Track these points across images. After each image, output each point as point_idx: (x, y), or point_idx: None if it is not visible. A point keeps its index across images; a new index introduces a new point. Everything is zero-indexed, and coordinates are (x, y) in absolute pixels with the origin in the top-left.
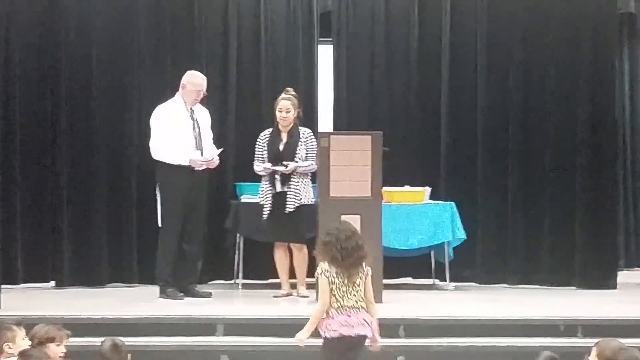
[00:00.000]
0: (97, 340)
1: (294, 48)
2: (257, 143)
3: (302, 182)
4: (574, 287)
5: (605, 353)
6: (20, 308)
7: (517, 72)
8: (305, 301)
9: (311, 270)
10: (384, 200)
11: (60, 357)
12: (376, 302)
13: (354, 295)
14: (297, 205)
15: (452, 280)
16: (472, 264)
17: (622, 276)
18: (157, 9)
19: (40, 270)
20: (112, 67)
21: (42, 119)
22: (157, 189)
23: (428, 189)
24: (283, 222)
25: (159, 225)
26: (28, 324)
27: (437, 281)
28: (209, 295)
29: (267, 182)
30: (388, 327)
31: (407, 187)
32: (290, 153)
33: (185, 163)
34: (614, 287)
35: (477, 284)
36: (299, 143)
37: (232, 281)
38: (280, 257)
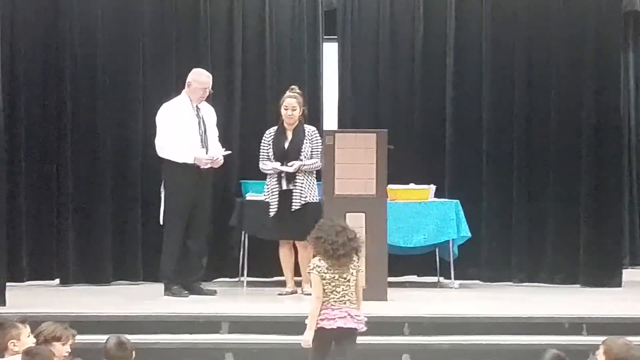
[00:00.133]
0: (102, 338)
1: (299, 46)
2: (262, 141)
3: (307, 180)
4: (579, 285)
5: (613, 351)
6: (25, 305)
7: (521, 70)
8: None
9: None
10: (388, 198)
11: (64, 356)
12: (381, 300)
13: (342, 289)
14: (302, 203)
15: (456, 278)
16: (476, 262)
17: (627, 274)
18: (162, 7)
19: (45, 268)
20: (116, 65)
21: (46, 117)
22: (162, 187)
23: (433, 187)
24: (288, 220)
25: (161, 223)
26: (33, 321)
27: (441, 279)
28: (214, 292)
29: (273, 180)
30: (393, 325)
31: (411, 185)
32: (295, 151)
33: (191, 161)
34: (619, 285)
35: (481, 282)
36: (304, 141)
37: (236, 279)
38: (285, 255)
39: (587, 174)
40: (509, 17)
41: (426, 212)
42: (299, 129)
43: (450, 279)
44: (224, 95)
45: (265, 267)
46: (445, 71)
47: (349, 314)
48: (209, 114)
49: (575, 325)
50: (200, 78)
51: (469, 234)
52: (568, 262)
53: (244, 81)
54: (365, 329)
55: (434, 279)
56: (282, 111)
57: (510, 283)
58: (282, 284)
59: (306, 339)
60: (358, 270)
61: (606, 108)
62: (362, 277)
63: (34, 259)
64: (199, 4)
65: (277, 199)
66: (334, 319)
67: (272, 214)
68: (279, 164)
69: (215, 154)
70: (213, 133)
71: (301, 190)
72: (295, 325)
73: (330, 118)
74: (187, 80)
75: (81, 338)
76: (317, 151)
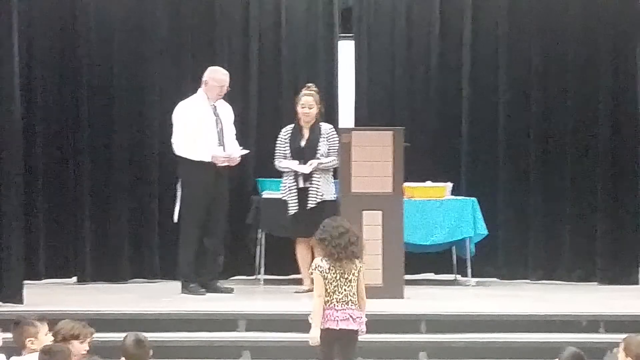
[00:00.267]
0: (119, 336)
1: (315, 44)
2: (279, 139)
3: (323, 178)
4: (596, 283)
5: (632, 348)
6: (43, 304)
7: (537, 67)
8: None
9: None
10: (405, 196)
11: (82, 354)
12: (398, 298)
13: (345, 289)
14: (318, 201)
15: (473, 276)
16: (493, 260)
17: None
18: (178, 6)
19: (63, 266)
20: (132, 64)
21: (63, 116)
22: (179, 185)
23: (449, 185)
24: (305, 217)
25: (174, 221)
26: (50, 319)
27: (458, 277)
28: (231, 290)
29: (290, 178)
30: (409, 323)
31: (428, 183)
32: (311, 149)
33: (208, 159)
34: (636, 283)
35: (498, 280)
36: (321, 139)
37: (253, 277)
38: (301, 253)
39: (604, 171)
40: (525, 15)
41: (443, 210)
42: (316, 127)
43: (467, 276)
44: (240, 94)
45: (282, 265)
46: (461, 68)
47: (351, 316)
48: (226, 112)
49: (592, 323)
50: (217, 76)
51: (486, 232)
52: (585, 260)
53: (260, 79)
54: (365, 331)
55: (450, 276)
56: (299, 109)
57: (527, 281)
58: (299, 281)
59: (313, 336)
60: (360, 271)
61: (623, 105)
62: (363, 277)
63: (51, 257)
64: (214, 2)
65: (296, 197)
66: (337, 320)
67: (291, 212)
68: (295, 162)
69: (232, 152)
70: (230, 131)
71: (317, 188)
72: None
73: (346, 116)
74: (204, 79)
75: (99, 336)
76: (334, 149)
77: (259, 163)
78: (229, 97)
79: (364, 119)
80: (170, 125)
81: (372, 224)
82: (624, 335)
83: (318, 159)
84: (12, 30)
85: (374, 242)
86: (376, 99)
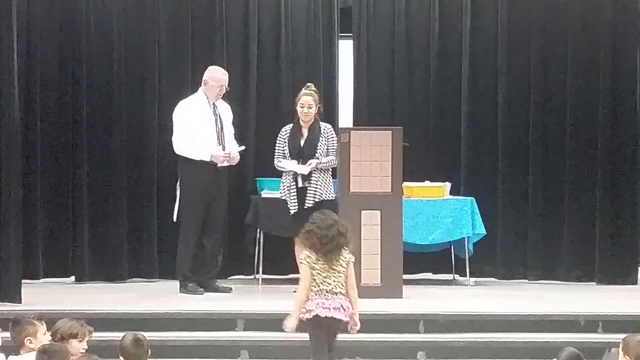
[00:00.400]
0: (117, 335)
1: (314, 43)
2: (278, 139)
3: (322, 177)
4: (594, 283)
5: (630, 347)
6: (41, 303)
7: (537, 67)
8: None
9: None
10: (404, 196)
11: (81, 353)
12: (396, 298)
13: (333, 280)
14: (316, 200)
15: (472, 275)
16: (492, 260)
17: None
18: (178, 5)
19: (61, 265)
20: (132, 64)
21: (62, 115)
22: (178, 184)
23: (448, 184)
24: (303, 217)
25: (174, 220)
26: (49, 319)
27: (457, 276)
28: (229, 290)
29: (289, 178)
30: (408, 323)
31: (427, 183)
32: (311, 149)
33: (207, 159)
34: (634, 283)
35: (497, 280)
36: (320, 138)
37: (252, 276)
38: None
39: (602, 171)
40: (525, 14)
41: (441, 210)
42: (315, 126)
43: (465, 276)
44: (240, 93)
45: (280, 264)
46: (460, 68)
47: (342, 306)
48: (226, 111)
49: (590, 323)
50: (216, 75)
51: (484, 232)
52: (584, 260)
53: (259, 79)
54: (359, 327)
55: (449, 276)
56: (298, 109)
57: (526, 280)
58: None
59: (289, 325)
60: (348, 262)
61: (622, 105)
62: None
63: (50, 256)
64: (214, 2)
65: (295, 197)
66: (329, 308)
67: (292, 211)
68: (295, 162)
69: (232, 150)
70: (229, 131)
71: (316, 187)
72: None
73: (345, 115)
74: (204, 78)
75: (97, 335)
76: (333, 149)
77: (258, 163)
78: (228, 97)
79: (363, 119)
80: (170, 124)
81: (370, 223)
82: (622, 335)
83: (317, 158)
84: (11, 29)
85: (372, 241)
86: (375, 99)
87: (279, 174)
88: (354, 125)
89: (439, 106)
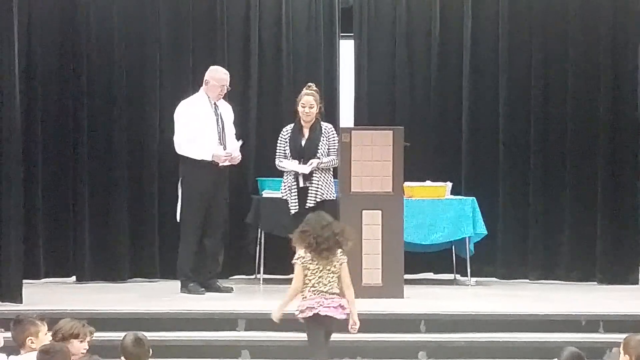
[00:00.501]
0: (118, 335)
1: (315, 43)
2: (279, 138)
3: (323, 177)
4: (595, 283)
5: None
6: (42, 303)
7: (537, 68)
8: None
9: None
10: (405, 196)
11: (82, 353)
12: (397, 298)
13: (329, 280)
14: (317, 200)
15: (473, 275)
16: (493, 260)
17: None
18: (179, 5)
19: (62, 265)
20: (133, 64)
21: (63, 115)
22: (180, 184)
23: (449, 184)
24: (304, 217)
25: (177, 220)
26: (50, 319)
27: (458, 276)
28: (230, 290)
29: (290, 178)
30: (409, 322)
31: (428, 183)
32: (312, 149)
33: (209, 158)
34: (636, 283)
35: (498, 279)
36: (321, 138)
37: (253, 276)
38: None
39: (603, 171)
40: (525, 14)
41: (442, 210)
42: (316, 126)
43: (466, 276)
44: (241, 93)
45: (281, 264)
46: (461, 68)
47: (341, 305)
48: (227, 111)
49: (592, 323)
50: (217, 75)
51: (485, 231)
52: (584, 260)
53: (260, 79)
54: (358, 325)
55: (450, 276)
56: (299, 109)
57: (527, 280)
58: None
59: (275, 314)
60: (342, 262)
61: (623, 105)
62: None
63: (51, 256)
64: (215, 2)
65: (296, 197)
66: (329, 307)
67: (293, 211)
68: (295, 162)
69: (233, 150)
70: (230, 130)
71: (317, 187)
72: None
73: (346, 115)
74: (205, 78)
75: (98, 335)
76: (334, 149)
77: (259, 162)
78: (229, 97)
79: (364, 119)
80: (171, 124)
81: (371, 223)
82: (623, 335)
83: (318, 158)
84: (12, 30)
85: (373, 241)
86: (376, 99)
87: (280, 173)
88: (355, 125)
89: (439, 106)
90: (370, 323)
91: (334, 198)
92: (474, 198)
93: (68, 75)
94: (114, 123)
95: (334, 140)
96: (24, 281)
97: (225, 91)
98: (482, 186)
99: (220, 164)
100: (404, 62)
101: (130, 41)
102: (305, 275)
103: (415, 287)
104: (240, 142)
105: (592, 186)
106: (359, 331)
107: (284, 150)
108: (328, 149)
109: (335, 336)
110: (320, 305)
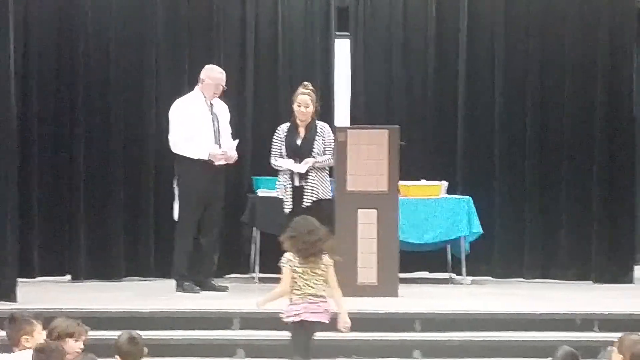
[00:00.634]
0: (113, 334)
1: (311, 42)
2: (275, 137)
3: (319, 176)
4: (591, 282)
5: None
6: (37, 302)
7: (534, 66)
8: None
9: None
10: (400, 195)
11: (77, 352)
12: (392, 297)
13: (315, 283)
14: (314, 199)
15: (468, 274)
16: (488, 259)
17: (639, 270)
18: (175, 4)
19: (57, 264)
20: (129, 62)
21: (59, 113)
22: (175, 183)
23: (444, 183)
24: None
25: (175, 219)
26: (45, 317)
27: (453, 275)
28: (226, 289)
29: (286, 177)
30: (404, 321)
31: (423, 182)
32: (308, 148)
33: (205, 157)
34: (631, 282)
35: (493, 279)
36: (317, 138)
37: (248, 275)
38: None
39: (599, 171)
40: (522, 14)
41: (438, 209)
42: (312, 125)
43: (461, 275)
44: (237, 92)
45: (276, 263)
46: (457, 68)
47: (326, 310)
48: (223, 110)
49: (587, 322)
50: (213, 74)
51: (481, 231)
52: (580, 259)
53: (256, 78)
54: (349, 325)
55: (445, 275)
56: (295, 108)
57: (522, 279)
58: None
59: (260, 302)
60: (328, 266)
61: (619, 104)
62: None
63: (46, 255)
64: (211, 1)
65: (291, 196)
66: (315, 313)
67: (287, 210)
68: (291, 161)
69: (229, 148)
70: (226, 130)
71: (313, 186)
72: None
73: (342, 114)
74: (200, 77)
75: (93, 334)
76: (330, 147)
77: (254, 161)
78: (225, 96)
79: (359, 118)
80: (167, 123)
81: (367, 222)
82: (618, 334)
83: (314, 157)
84: (7, 29)
85: (369, 240)
86: (372, 98)
87: (275, 172)
88: (350, 124)
89: (435, 105)
90: (365, 322)
91: (330, 197)
92: (470, 197)
93: (64, 75)
94: (110, 122)
95: (329, 140)
96: (19, 280)
97: (221, 90)
98: (478, 185)
99: (216, 163)
100: (400, 61)
101: (127, 41)
102: (293, 278)
103: (411, 286)
104: (237, 142)
105: (588, 186)
106: (354, 330)
107: (280, 149)
108: (324, 148)
109: (329, 335)
110: (306, 310)
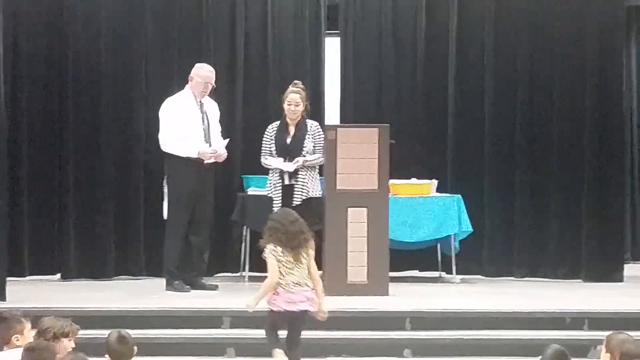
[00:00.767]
0: (103, 333)
1: (301, 40)
2: (265, 136)
3: (309, 175)
4: (581, 280)
5: (612, 345)
6: (26, 300)
7: (524, 65)
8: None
9: (318, 263)
10: (390, 193)
11: (67, 351)
12: (382, 295)
13: (297, 272)
14: (304, 198)
15: (458, 273)
16: (478, 257)
17: (629, 269)
18: (166, 3)
19: (47, 263)
20: (119, 61)
21: (48, 112)
22: (165, 181)
23: (434, 182)
24: None
25: (164, 218)
26: (34, 316)
27: (443, 274)
28: (216, 287)
29: (276, 175)
30: (394, 320)
31: (413, 180)
32: (297, 146)
33: (194, 155)
34: (621, 280)
35: (483, 277)
36: (307, 136)
37: (238, 274)
38: None
39: (589, 169)
40: (512, 12)
41: (428, 207)
42: (302, 124)
43: (452, 273)
44: (226, 91)
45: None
46: (447, 66)
47: (308, 298)
48: (212, 109)
49: (576, 320)
50: (202, 72)
51: (471, 229)
52: (570, 257)
53: (246, 76)
54: (315, 310)
55: (435, 273)
56: (285, 106)
57: (512, 278)
58: None
59: (248, 303)
60: (310, 255)
61: (609, 103)
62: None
63: (35, 253)
64: (201, 0)
65: (280, 194)
66: (295, 302)
67: (275, 209)
68: (281, 160)
69: (219, 147)
70: (216, 128)
71: (303, 185)
72: None
73: (332, 113)
74: (190, 75)
75: (83, 333)
76: (320, 146)
77: (244, 160)
78: (215, 94)
79: (349, 116)
80: (157, 122)
81: (357, 221)
82: (608, 333)
83: (304, 156)
84: None
85: (359, 239)
86: (362, 96)
87: (265, 171)
88: (340, 122)
89: (426, 104)
90: (355, 320)
91: (320, 195)
92: (460, 196)
93: (54, 73)
94: (100, 121)
95: (319, 138)
96: (8, 279)
97: (210, 88)
98: (468, 184)
99: (206, 161)
100: (390, 59)
101: (117, 41)
102: (278, 268)
103: (401, 284)
104: (227, 140)
105: (578, 184)
106: (344, 329)
107: (270, 148)
108: (314, 146)
109: (319, 334)
110: (288, 302)
